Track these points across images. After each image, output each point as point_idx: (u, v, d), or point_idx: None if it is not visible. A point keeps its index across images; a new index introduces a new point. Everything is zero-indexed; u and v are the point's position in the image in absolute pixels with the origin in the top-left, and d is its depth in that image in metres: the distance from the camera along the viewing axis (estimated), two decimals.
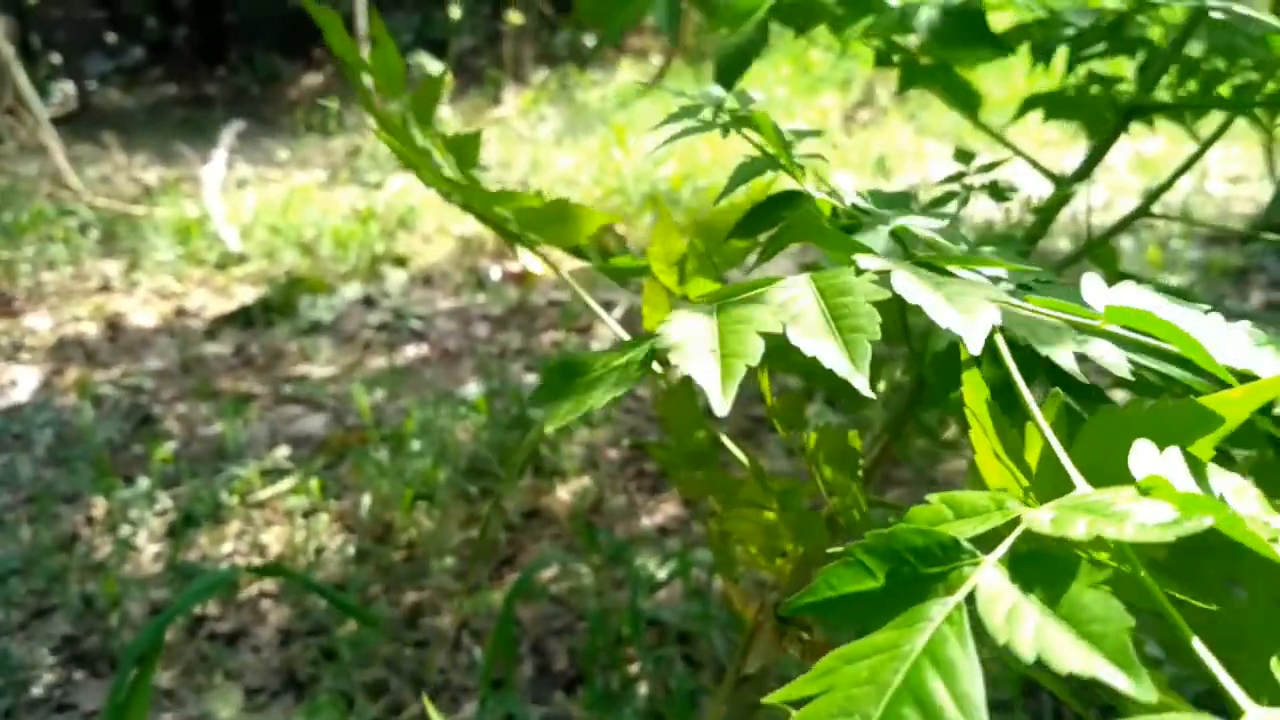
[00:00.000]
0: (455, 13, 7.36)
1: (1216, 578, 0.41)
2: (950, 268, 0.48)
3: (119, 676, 0.97)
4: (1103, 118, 0.91)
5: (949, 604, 0.32)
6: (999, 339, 0.43)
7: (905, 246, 0.54)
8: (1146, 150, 4.07)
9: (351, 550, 1.79)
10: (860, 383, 0.40)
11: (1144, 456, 0.36)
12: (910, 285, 0.43)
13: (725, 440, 0.64)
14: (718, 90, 0.70)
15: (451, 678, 1.49)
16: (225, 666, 1.52)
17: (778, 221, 0.56)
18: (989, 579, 0.32)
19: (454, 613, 1.61)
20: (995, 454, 0.42)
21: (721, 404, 0.40)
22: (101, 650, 1.57)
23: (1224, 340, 0.44)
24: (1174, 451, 0.37)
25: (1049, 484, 0.40)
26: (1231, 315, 0.47)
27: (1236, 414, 0.39)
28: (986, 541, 0.34)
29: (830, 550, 0.35)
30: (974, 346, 0.41)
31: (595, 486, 1.96)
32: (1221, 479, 0.38)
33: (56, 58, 6.90)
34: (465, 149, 0.71)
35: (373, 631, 1.54)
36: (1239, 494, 0.38)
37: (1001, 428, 0.42)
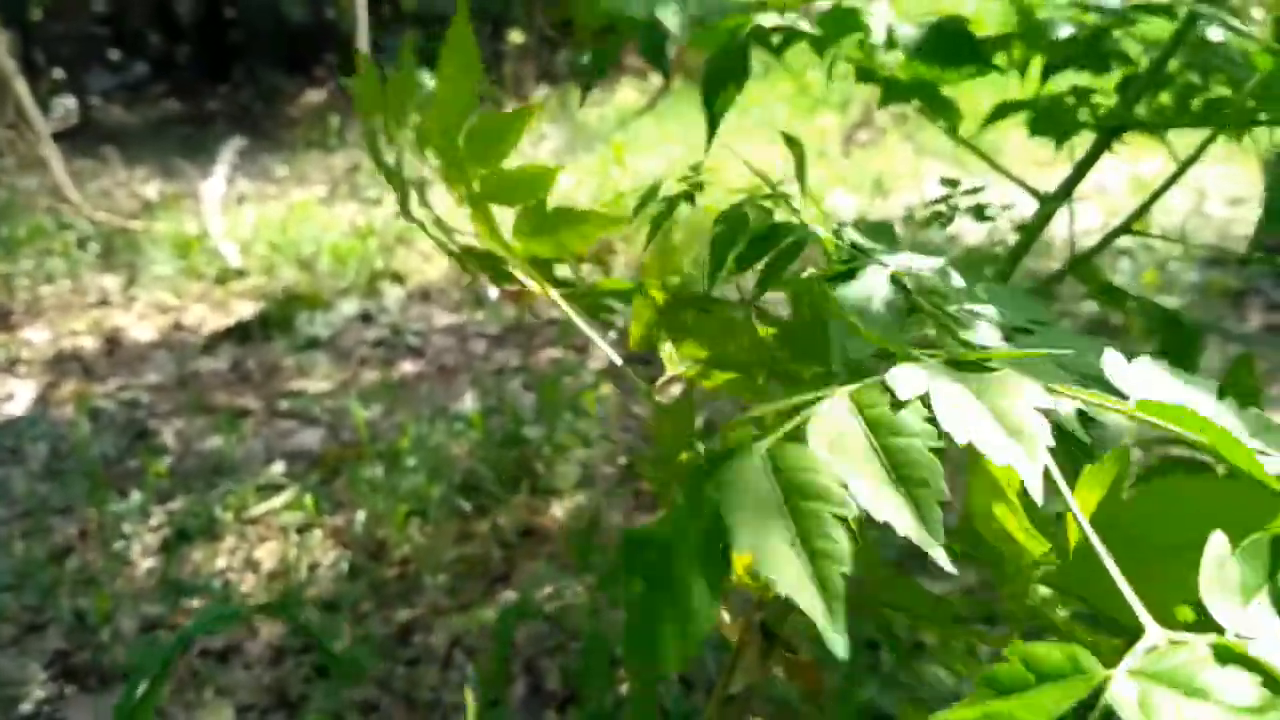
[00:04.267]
0: None
1: None
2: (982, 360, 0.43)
3: (124, 699, 0.96)
4: (1079, 130, 0.91)
5: None
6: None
7: (906, 291, 0.53)
8: (1144, 172, 4.08)
9: (345, 566, 1.79)
10: (939, 555, 0.34)
11: (1214, 556, 0.32)
12: (954, 417, 0.37)
13: None
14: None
15: (443, 696, 1.48)
16: (216, 683, 1.51)
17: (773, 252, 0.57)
18: None
19: (446, 630, 1.60)
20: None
21: (841, 646, 0.33)
22: (93, 665, 1.56)
23: (1240, 430, 0.40)
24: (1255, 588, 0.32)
25: (1083, 564, 0.37)
26: (1230, 338, 0.46)
27: None
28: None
29: None
30: (1036, 494, 0.35)
31: (590, 505, 1.96)
32: None
33: (59, 73, 6.92)
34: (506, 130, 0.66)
35: (364, 650, 1.53)
36: None
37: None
